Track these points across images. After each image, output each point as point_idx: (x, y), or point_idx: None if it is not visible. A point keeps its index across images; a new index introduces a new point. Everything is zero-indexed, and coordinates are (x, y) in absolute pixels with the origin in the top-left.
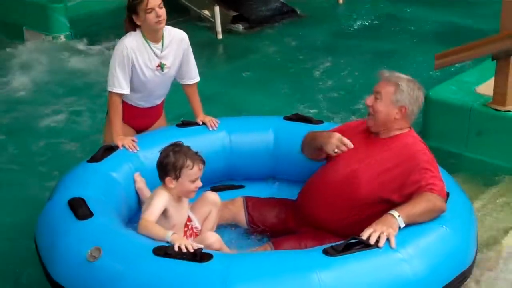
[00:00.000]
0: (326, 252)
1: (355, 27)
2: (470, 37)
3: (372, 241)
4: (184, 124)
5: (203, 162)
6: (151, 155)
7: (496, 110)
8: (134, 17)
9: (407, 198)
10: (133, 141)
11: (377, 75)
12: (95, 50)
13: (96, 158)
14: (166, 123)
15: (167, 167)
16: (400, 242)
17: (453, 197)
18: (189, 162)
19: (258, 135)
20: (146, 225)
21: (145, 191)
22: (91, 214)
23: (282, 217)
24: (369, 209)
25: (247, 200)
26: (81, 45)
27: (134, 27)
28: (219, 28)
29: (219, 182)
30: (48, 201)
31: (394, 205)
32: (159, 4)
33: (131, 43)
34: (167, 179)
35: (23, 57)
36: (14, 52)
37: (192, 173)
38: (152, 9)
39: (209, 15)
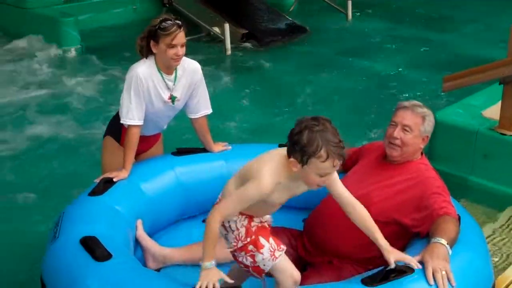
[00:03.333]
0: (365, 282)
1: (362, 47)
2: (477, 61)
3: (440, 284)
4: (180, 152)
5: (343, 158)
6: (150, 186)
7: (502, 134)
8: (152, 44)
9: (419, 222)
10: None
11: (396, 106)
12: (106, 63)
13: (97, 191)
14: (162, 146)
15: (295, 147)
16: None
17: (465, 224)
18: (322, 153)
19: None
20: (208, 229)
21: (146, 239)
22: (109, 255)
23: (294, 245)
24: (381, 230)
25: None
26: (91, 59)
27: (147, 52)
28: (228, 45)
29: None
30: (54, 239)
31: (404, 227)
32: (183, 43)
33: (144, 73)
34: (291, 159)
35: (33, 71)
36: (24, 64)
37: (322, 167)
38: (175, 46)
39: (219, 32)
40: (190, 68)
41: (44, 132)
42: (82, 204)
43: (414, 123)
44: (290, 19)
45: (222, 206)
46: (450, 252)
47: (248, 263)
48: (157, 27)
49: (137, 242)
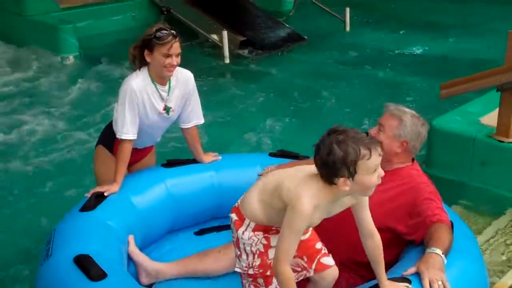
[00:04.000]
0: None
1: (361, 55)
2: (475, 68)
3: None
4: (170, 163)
5: (380, 144)
6: (141, 199)
7: (500, 141)
8: (146, 53)
9: (412, 229)
10: None
11: (383, 107)
12: (104, 71)
13: (88, 207)
14: (155, 157)
15: (336, 166)
16: None
17: (458, 231)
18: (364, 151)
19: (246, 172)
20: (282, 278)
21: (138, 254)
22: (104, 274)
23: None
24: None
25: None
26: (89, 66)
27: (140, 62)
28: (226, 52)
29: (207, 223)
30: (47, 257)
31: (398, 235)
32: (178, 53)
33: (139, 85)
34: (339, 180)
35: (30, 78)
36: (22, 72)
37: (371, 163)
38: (171, 55)
39: (217, 40)
40: (183, 78)
41: (39, 138)
42: (74, 221)
43: (388, 124)
44: (289, 26)
45: (282, 250)
46: (445, 261)
47: None
48: (152, 36)
49: (129, 258)
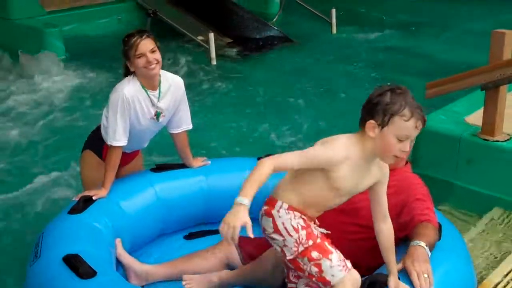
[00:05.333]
0: None
1: (347, 55)
2: (460, 67)
3: (423, 286)
4: (159, 168)
5: (424, 122)
6: (130, 203)
7: (485, 140)
8: (128, 64)
9: (402, 226)
10: None
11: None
12: (90, 74)
13: (77, 209)
14: (142, 160)
15: (376, 107)
16: None
17: (447, 231)
18: (406, 111)
19: (235, 177)
20: (256, 168)
21: (126, 256)
22: (94, 272)
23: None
24: (369, 235)
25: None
26: (75, 69)
27: (127, 74)
28: (213, 54)
29: (197, 227)
30: (36, 258)
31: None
32: (151, 49)
33: (130, 92)
34: (369, 122)
35: (18, 82)
36: (9, 76)
37: (405, 126)
38: (142, 54)
39: (204, 41)
40: (175, 84)
41: (24, 141)
42: (62, 223)
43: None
44: (276, 28)
45: (283, 156)
46: (430, 254)
47: (313, 272)
48: (124, 46)
49: (118, 261)
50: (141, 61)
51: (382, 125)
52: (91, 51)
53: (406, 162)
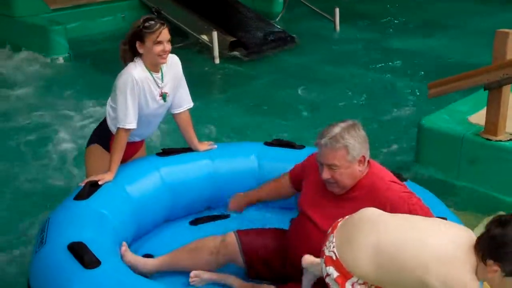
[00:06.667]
0: None
1: (351, 55)
2: (463, 67)
3: None
4: (165, 152)
5: None
6: (136, 188)
7: (488, 139)
8: (138, 44)
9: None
10: None
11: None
12: (93, 72)
13: (82, 195)
14: (145, 153)
15: (504, 249)
16: None
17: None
18: None
19: (242, 161)
20: None
21: (129, 255)
22: (98, 262)
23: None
24: None
25: (239, 235)
26: (79, 67)
27: (132, 55)
28: (216, 53)
29: (203, 212)
30: (41, 244)
31: None
32: (168, 39)
33: (140, 75)
34: (493, 265)
35: (21, 78)
36: (12, 73)
37: None
38: (162, 42)
39: (208, 40)
40: (173, 62)
41: (29, 139)
42: (68, 209)
43: (338, 159)
44: (279, 27)
45: None
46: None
47: None
48: (141, 27)
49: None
50: (158, 48)
51: (506, 272)
52: (94, 49)
53: (368, 163)
